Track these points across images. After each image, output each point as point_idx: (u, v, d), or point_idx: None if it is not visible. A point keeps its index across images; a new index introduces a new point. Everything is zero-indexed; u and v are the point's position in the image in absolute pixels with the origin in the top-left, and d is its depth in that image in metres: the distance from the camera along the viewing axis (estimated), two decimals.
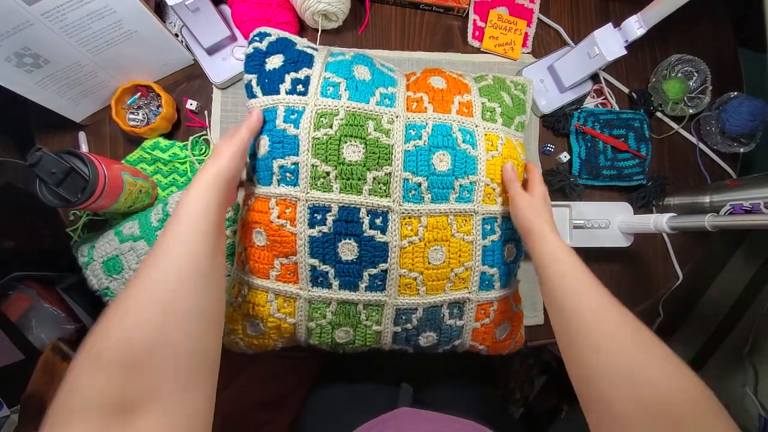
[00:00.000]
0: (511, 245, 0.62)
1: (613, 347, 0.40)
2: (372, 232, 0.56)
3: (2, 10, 0.49)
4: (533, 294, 0.76)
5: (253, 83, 0.59)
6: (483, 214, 0.60)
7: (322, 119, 0.56)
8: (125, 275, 0.60)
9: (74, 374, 0.33)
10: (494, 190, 0.60)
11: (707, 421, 0.34)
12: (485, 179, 0.59)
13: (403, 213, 0.57)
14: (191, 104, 0.70)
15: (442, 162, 0.58)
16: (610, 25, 0.65)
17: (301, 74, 0.58)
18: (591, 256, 0.75)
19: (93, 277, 0.61)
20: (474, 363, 0.78)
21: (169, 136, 0.70)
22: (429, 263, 0.58)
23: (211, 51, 0.69)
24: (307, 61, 0.59)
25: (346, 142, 0.56)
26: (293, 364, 0.83)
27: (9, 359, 0.75)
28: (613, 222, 0.71)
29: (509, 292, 0.64)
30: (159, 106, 0.67)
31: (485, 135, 0.61)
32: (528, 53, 0.78)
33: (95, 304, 0.91)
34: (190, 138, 0.69)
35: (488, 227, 0.60)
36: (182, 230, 0.43)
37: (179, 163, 0.68)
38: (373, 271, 0.57)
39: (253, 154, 0.58)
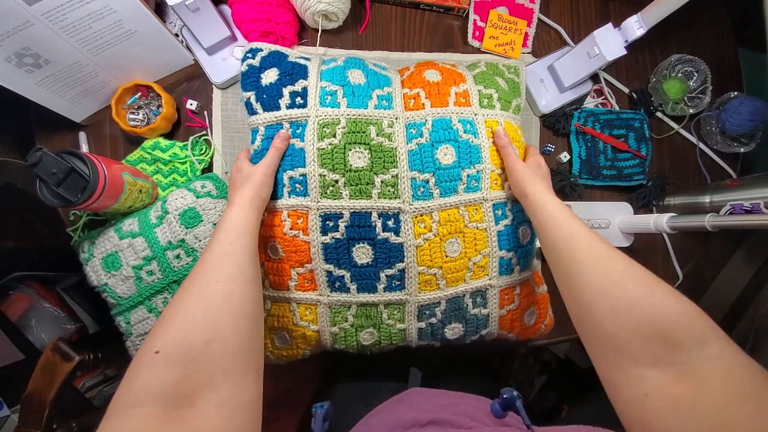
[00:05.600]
0: (524, 227, 0.63)
1: (606, 281, 0.43)
2: (386, 235, 0.58)
3: (3, 10, 0.49)
4: None
5: (252, 100, 0.60)
6: (492, 200, 0.61)
7: (324, 129, 0.57)
8: (123, 271, 0.60)
9: (133, 371, 0.36)
10: (500, 176, 0.62)
11: (704, 338, 0.35)
12: (490, 166, 0.60)
13: (414, 212, 0.58)
14: (191, 104, 0.70)
15: (446, 155, 0.59)
16: (610, 25, 0.65)
17: (298, 86, 0.59)
18: None
19: (92, 273, 0.61)
20: (477, 363, 0.78)
21: (169, 136, 0.70)
22: (447, 256, 0.59)
23: (211, 51, 0.69)
24: (302, 72, 0.60)
25: (350, 150, 0.57)
26: (290, 364, 0.84)
27: (9, 359, 0.75)
28: (613, 222, 0.71)
29: (530, 274, 0.65)
30: (159, 106, 0.67)
31: (485, 122, 0.62)
32: (528, 53, 0.78)
33: (95, 303, 0.91)
34: (190, 138, 0.69)
35: (499, 212, 0.61)
36: (228, 242, 0.48)
37: (179, 163, 0.68)
38: (390, 271, 0.58)
39: None
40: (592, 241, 0.47)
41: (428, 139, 0.59)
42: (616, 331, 0.39)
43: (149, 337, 0.39)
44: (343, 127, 0.57)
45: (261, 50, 0.62)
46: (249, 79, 0.60)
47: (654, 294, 0.39)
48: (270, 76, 0.60)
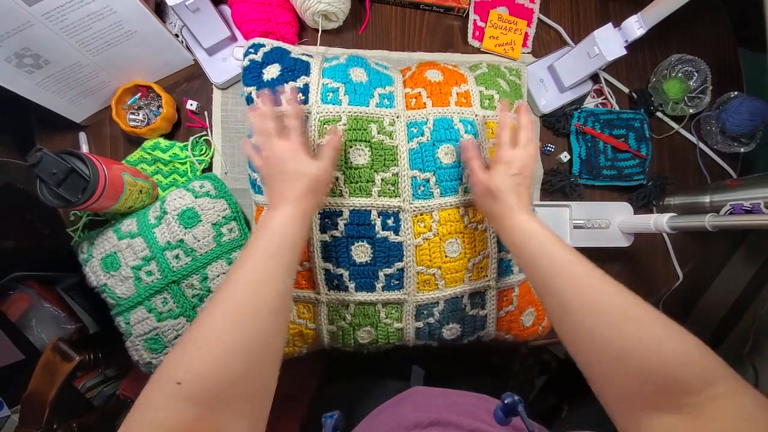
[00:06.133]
0: None
1: (605, 330, 0.39)
2: (385, 233, 0.58)
3: (3, 11, 0.49)
4: None
5: (254, 95, 0.60)
6: None
7: (325, 126, 0.57)
8: (122, 272, 0.60)
9: (151, 399, 0.33)
10: None
11: (710, 377, 0.34)
12: None
13: (414, 211, 0.58)
14: (191, 104, 0.70)
15: (447, 155, 0.59)
16: (610, 25, 0.65)
17: (300, 82, 0.59)
18: (591, 256, 0.74)
19: (91, 273, 0.62)
20: (479, 361, 0.78)
21: (169, 136, 0.70)
22: (446, 257, 0.59)
23: (212, 51, 0.69)
24: (304, 68, 0.60)
25: (351, 147, 0.57)
26: (291, 363, 0.84)
27: (9, 359, 0.75)
28: (613, 222, 0.71)
29: None
30: (159, 106, 0.67)
31: (486, 123, 0.62)
32: (528, 53, 0.78)
33: (95, 303, 0.91)
34: (191, 138, 0.69)
35: None
36: (277, 251, 0.44)
37: (179, 163, 0.68)
38: (389, 270, 0.58)
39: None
40: (581, 275, 0.43)
41: (429, 138, 0.59)
42: (623, 381, 0.37)
43: (173, 360, 0.35)
44: (344, 124, 0.57)
45: (263, 45, 0.62)
46: (251, 74, 0.60)
47: (655, 336, 0.37)
48: (272, 72, 0.60)
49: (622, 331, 0.38)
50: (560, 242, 0.47)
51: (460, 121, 0.60)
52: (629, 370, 0.36)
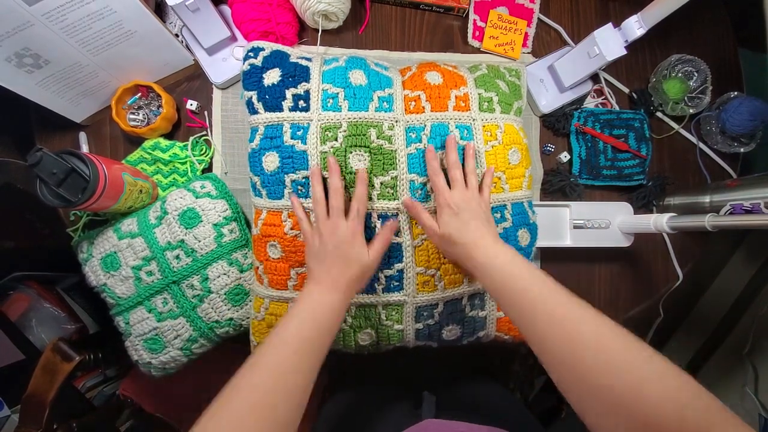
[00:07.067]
0: (524, 230, 0.63)
1: (589, 377, 0.35)
2: None
3: (3, 11, 0.49)
4: None
5: (254, 99, 0.60)
6: (491, 203, 0.60)
7: (327, 133, 0.57)
8: (122, 272, 0.60)
9: None
10: (500, 178, 0.62)
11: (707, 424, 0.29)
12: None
13: None
14: (191, 104, 0.70)
15: (444, 160, 0.59)
16: (610, 25, 0.65)
17: (301, 89, 0.59)
18: (591, 256, 0.75)
19: (91, 273, 0.62)
20: (479, 364, 0.77)
21: (169, 136, 0.70)
22: (444, 258, 0.59)
23: (212, 51, 0.69)
24: (304, 74, 0.60)
25: (351, 152, 0.57)
26: None
27: (9, 359, 0.75)
28: (613, 222, 0.71)
29: None
30: (159, 106, 0.67)
31: (483, 127, 0.62)
32: (528, 53, 0.78)
33: (95, 303, 0.91)
34: (191, 138, 0.69)
35: (498, 215, 0.61)
36: (304, 339, 0.44)
37: (179, 163, 0.68)
38: (389, 272, 0.58)
39: (261, 170, 0.59)
40: (553, 309, 0.40)
41: (426, 145, 0.59)
42: (597, 418, 0.34)
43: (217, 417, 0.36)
44: (345, 131, 0.58)
45: (263, 49, 0.62)
46: (251, 78, 0.60)
47: (641, 387, 0.33)
48: (272, 77, 0.60)
49: (607, 379, 0.34)
50: (526, 273, 0.45)
51: (456, 127, 0.60)
52: (618, 425, 0.33)
